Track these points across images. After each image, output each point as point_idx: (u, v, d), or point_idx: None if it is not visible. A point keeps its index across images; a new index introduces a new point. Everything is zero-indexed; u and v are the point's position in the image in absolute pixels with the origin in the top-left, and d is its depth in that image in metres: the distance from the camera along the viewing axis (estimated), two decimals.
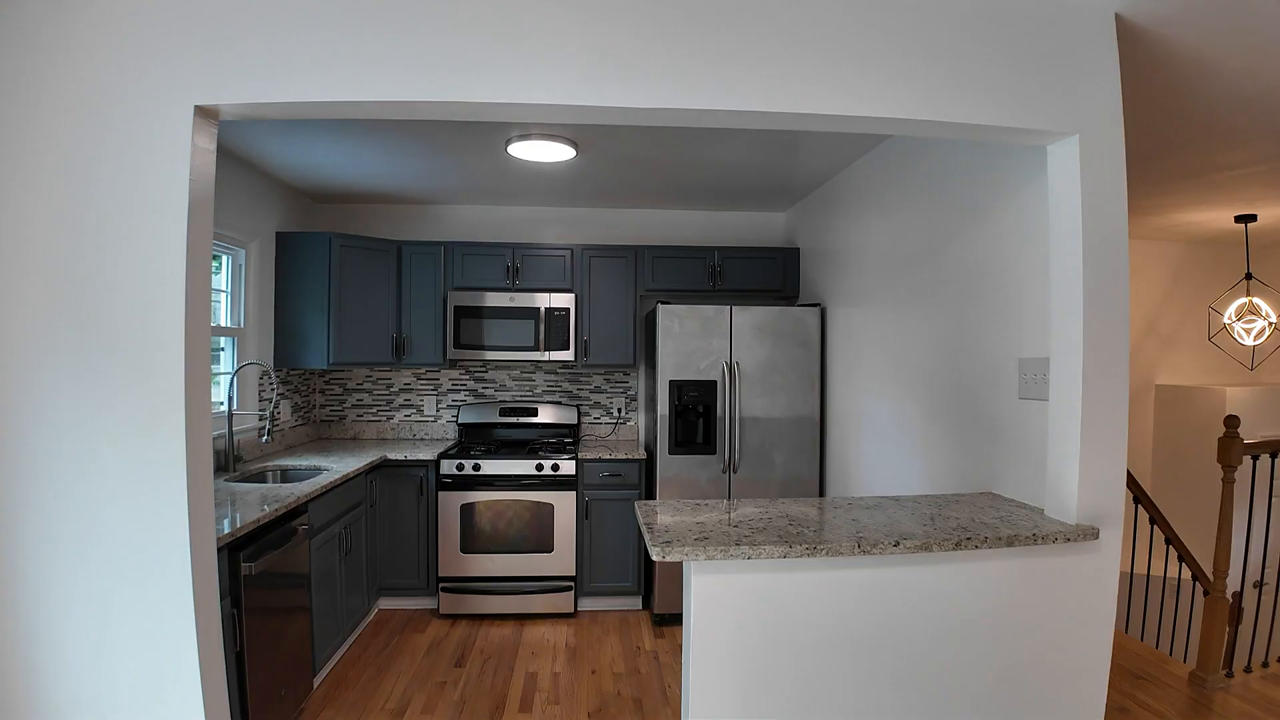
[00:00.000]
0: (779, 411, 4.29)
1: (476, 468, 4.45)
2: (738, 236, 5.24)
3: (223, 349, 4.27)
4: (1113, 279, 2.23)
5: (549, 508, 4.44)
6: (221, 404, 4.05)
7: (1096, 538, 2.19)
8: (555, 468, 4.45)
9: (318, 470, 4.07)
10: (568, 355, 4.71)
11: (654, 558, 1.83)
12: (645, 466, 4.55)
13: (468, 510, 4.45)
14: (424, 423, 5.23)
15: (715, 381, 4.27)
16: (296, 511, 3.31)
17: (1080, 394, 2.19)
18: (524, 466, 4.45)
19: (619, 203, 5.04)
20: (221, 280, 4.26)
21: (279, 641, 3.07)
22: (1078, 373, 2.20)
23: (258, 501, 3.11)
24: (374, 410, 5.25)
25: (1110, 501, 2.25)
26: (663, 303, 4.29)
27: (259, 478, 4.00)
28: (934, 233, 3.09)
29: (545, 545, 4.45)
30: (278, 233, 4.61)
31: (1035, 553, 2.17)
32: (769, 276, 4.83)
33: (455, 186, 4.61)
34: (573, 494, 4.45)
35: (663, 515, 2.27)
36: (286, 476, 4.15)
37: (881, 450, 3.54)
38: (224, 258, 4.26)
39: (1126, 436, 2.26)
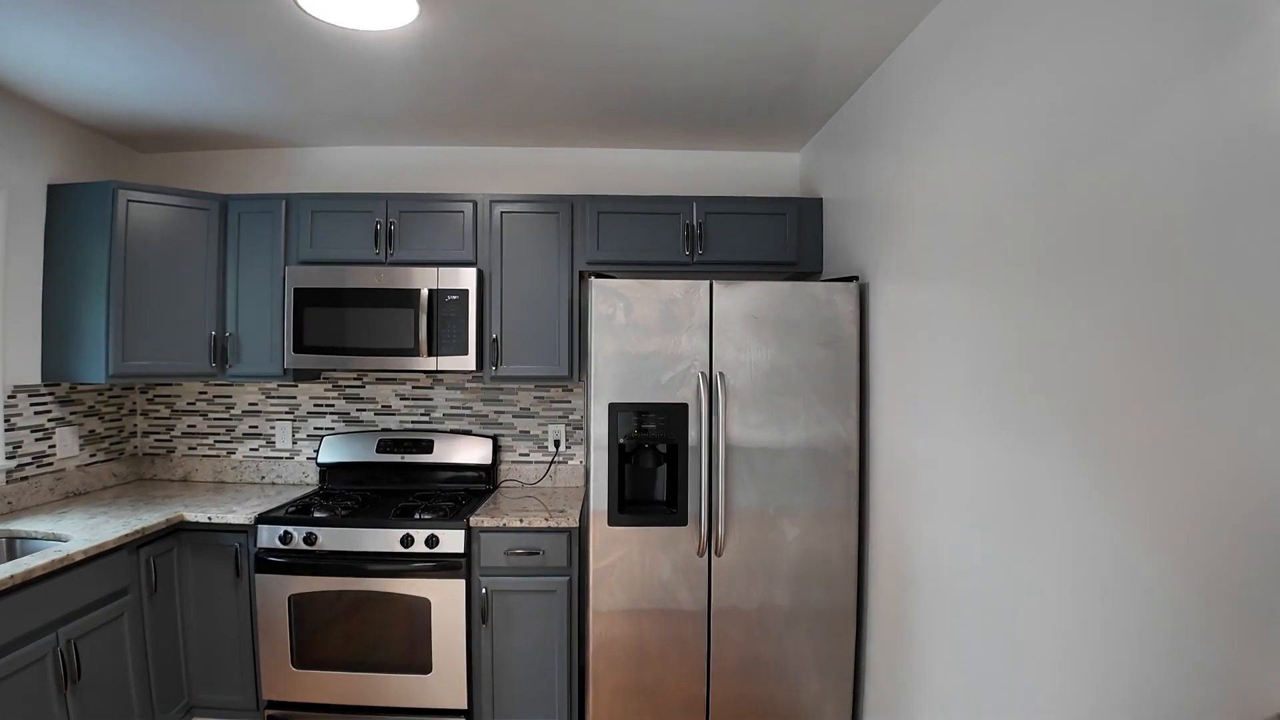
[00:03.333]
0: (791, 454, 2.62)
1: (310, 539, 2.82)
2: (729, 187, 3.58)
3: None
4: None
5: (424, 605, 2.81)
6: None
7: None
8: (432, 541, 2.81)
9: (55, 540, 2.52)
10: (465, 362, 3.07)
11: None
12: (579, 539, 2.90)
13: (300, 604, 2.83)
14: (277, 459, 3.62)
15: (685, 404, 2.62)
16: None
17: None
18: (382, 539, 2.82)
19: (550, 138, 3.40)
20: None
21: None
22: None
23: None
24: (210, 441, 3.65)
25: None
26: (598, 275, 2.65)
27: None
28: (1120, 103, 1.41)
29: (420, 661, 2.82)
30: (50, 185, 3.05)
31: None
32: (775, 240, 3.16)
33: (275, 102, 2.95)
34: (461, 583, 2.81)
35: None
36: (16, 549, 2.61)
37: (982, 540, 1.86)
38: None
39: None
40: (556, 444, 3.51)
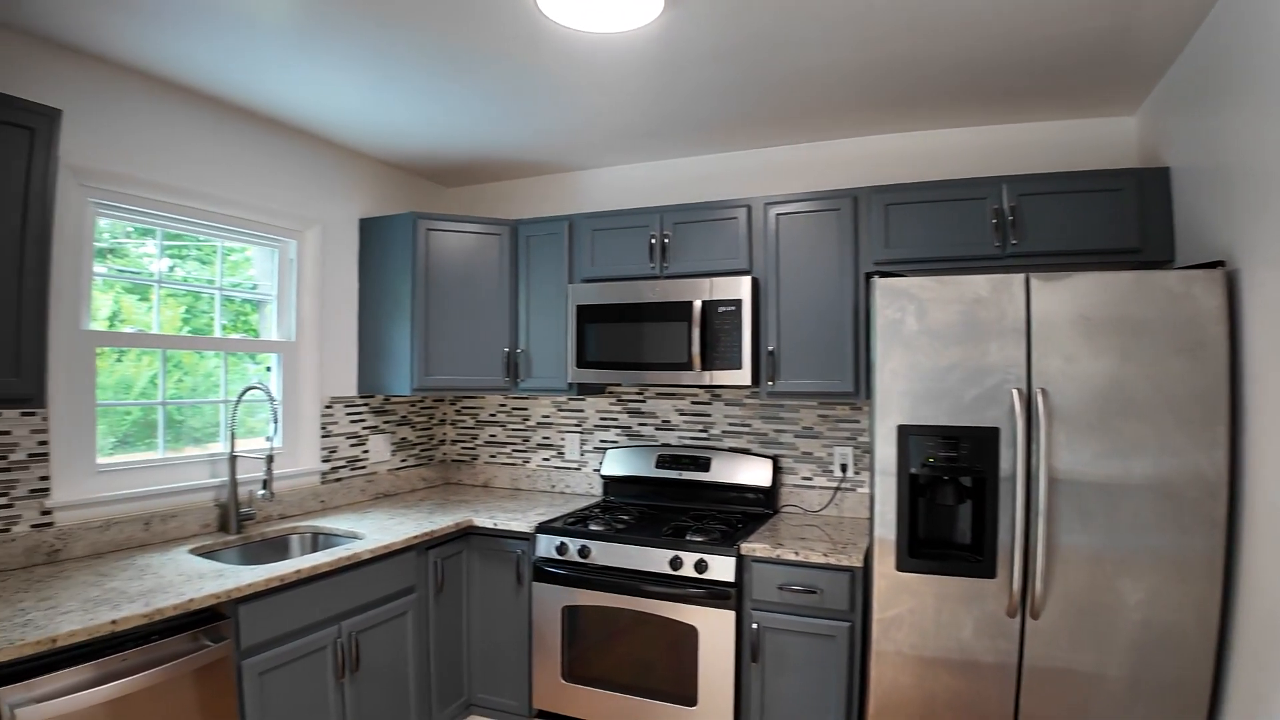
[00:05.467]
0: (1135, 494, 2.02)
1: (584, 552, 2.81)
2: (1043, 164, 2.93)
3: (269, 369, 3.18)
4: None
5: (691, 633, 2.65)
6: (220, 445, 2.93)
7: None
8: (701, 566, 2.64)
9: (353, 538, 2.78)
10: (738, 376, 2.88)
11: None
12: (863, 581, 2.53)
13: (574, 616, 2.84)
14: (566, 470, 3.73)
15: (995, 428, 2.16)
16: (216, 614, 2.03)
17: None
18: (651, 558, 2.72)
19: (823, 129, 3.07)
20: (271, 281, 3.19)
21: None
22: None
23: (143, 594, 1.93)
24: (508, 450, 3.88)
25: None
26: (884, 274, 2.30)
27: (271, 547, 2.81)
28: None
29: (686, 692, 2.66)
30: (361, 220, 3.46)
31: None
32: (1109, 223, 2.49)
33: (541, 122, 3.00)
34: (731, 614, 2.60)
35: None
36: (319, 544, 2.93)
37: None
38: (272, 251, 3.18)
39: None
40: (843, 468, 3.17)
